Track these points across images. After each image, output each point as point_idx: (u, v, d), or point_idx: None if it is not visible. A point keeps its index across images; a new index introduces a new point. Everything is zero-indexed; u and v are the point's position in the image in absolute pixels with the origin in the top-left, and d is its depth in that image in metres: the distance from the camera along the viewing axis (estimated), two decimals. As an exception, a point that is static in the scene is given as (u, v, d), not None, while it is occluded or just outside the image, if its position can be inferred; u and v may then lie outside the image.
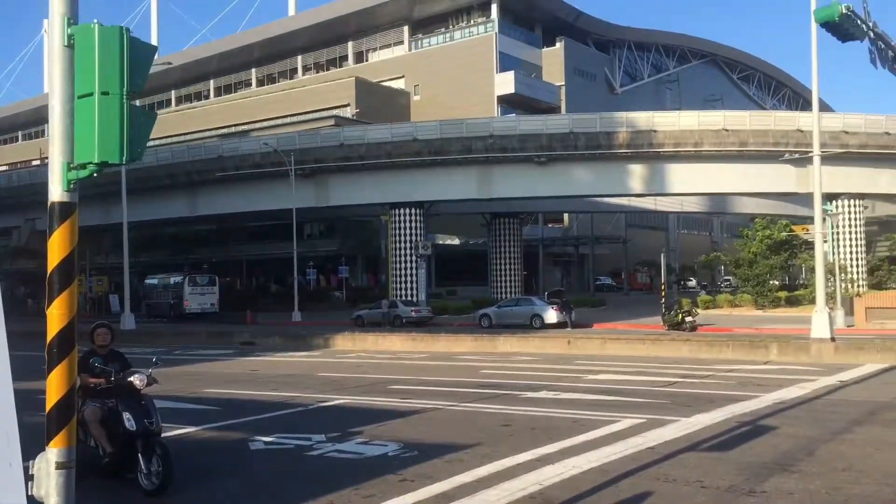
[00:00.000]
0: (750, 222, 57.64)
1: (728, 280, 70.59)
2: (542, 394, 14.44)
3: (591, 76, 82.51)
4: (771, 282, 45.26)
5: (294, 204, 45.67)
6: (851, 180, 44.44)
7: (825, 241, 41.72)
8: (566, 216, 76.36)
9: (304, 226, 69.63)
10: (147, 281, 54.35)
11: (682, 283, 78.76)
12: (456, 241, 71.11)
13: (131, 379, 7.83)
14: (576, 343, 22.52)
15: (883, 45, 17.45)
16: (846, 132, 44.11)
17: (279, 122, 71.96)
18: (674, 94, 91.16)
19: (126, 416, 7.64)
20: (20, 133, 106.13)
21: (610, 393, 14.25)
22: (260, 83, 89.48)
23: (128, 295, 40.66)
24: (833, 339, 19.37)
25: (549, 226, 76.99)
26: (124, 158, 4.65)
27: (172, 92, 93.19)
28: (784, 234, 44.72)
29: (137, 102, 4.84)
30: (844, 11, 15.24)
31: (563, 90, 77.98)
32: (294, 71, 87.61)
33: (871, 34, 16.57)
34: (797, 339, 20.80)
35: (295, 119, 71.98)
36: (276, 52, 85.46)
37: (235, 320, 42.60)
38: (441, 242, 69.82)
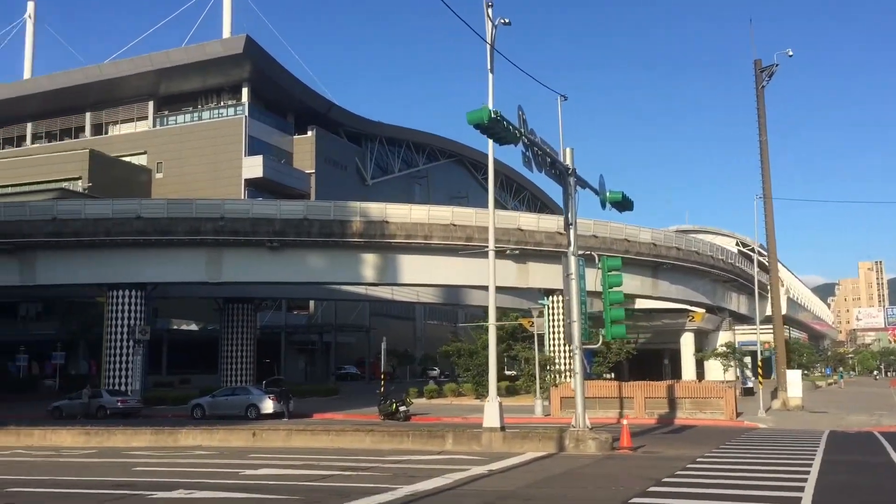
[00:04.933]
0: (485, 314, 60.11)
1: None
2: (177, 493, 13.31)
3: (343, 166, 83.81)
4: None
5: (-8, 282, 41.26)
6: (564, 277, 47.57)
7: (541, 333, 44.59)
8: (312, 304, 75.57)
9: (17, 306, 63.31)
10: None
11: (426, 371, 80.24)
12: (193, 327, 67.75)
13: None
14: (261, 435, 21.51)
15: (539, 152, 18.80)
16: (559, 233, 47.52)
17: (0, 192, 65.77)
18: (423, 189, 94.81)
19: None
20: None
21: (250, 490, 13.43)
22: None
23: None
24: (503, 429, 19.97)
25: (295, 313, 75.77)
26: None
27: None
28: (513, 325, 46.86)
29: None
30: (494, 116, 16.21)
31: (313, 178, 78.34)
32: (22, 138, 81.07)
33: (526, 140, 17.76)
34: (474, 428, 21.28)
35: (18, 189, 66.15)
36: (2, 117, 78.74)
37: None
38: (175, 328, 66.25)
